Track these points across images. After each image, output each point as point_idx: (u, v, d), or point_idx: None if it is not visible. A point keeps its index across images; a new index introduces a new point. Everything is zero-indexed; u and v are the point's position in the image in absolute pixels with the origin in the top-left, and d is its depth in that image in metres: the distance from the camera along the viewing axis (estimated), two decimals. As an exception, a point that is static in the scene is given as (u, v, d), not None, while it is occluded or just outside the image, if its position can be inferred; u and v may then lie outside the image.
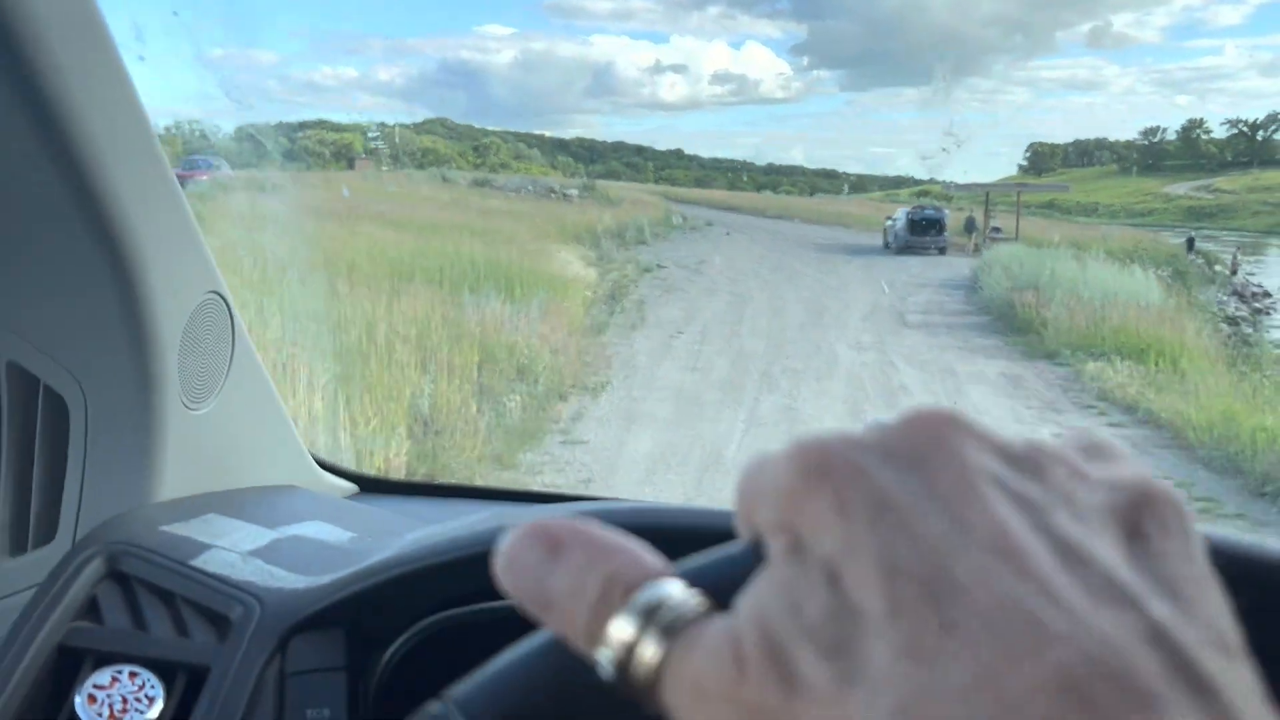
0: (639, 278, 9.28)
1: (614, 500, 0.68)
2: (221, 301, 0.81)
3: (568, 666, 0.30)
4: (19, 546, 0.76)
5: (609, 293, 8.53)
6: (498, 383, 5.76)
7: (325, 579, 0.66)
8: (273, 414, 0.94)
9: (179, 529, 0.71)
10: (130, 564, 0.67)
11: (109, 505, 0.76)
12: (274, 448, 0.94)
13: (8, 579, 0.76)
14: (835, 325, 7.95)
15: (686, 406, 5.78)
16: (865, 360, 6.85)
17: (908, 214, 10.10)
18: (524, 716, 0.30)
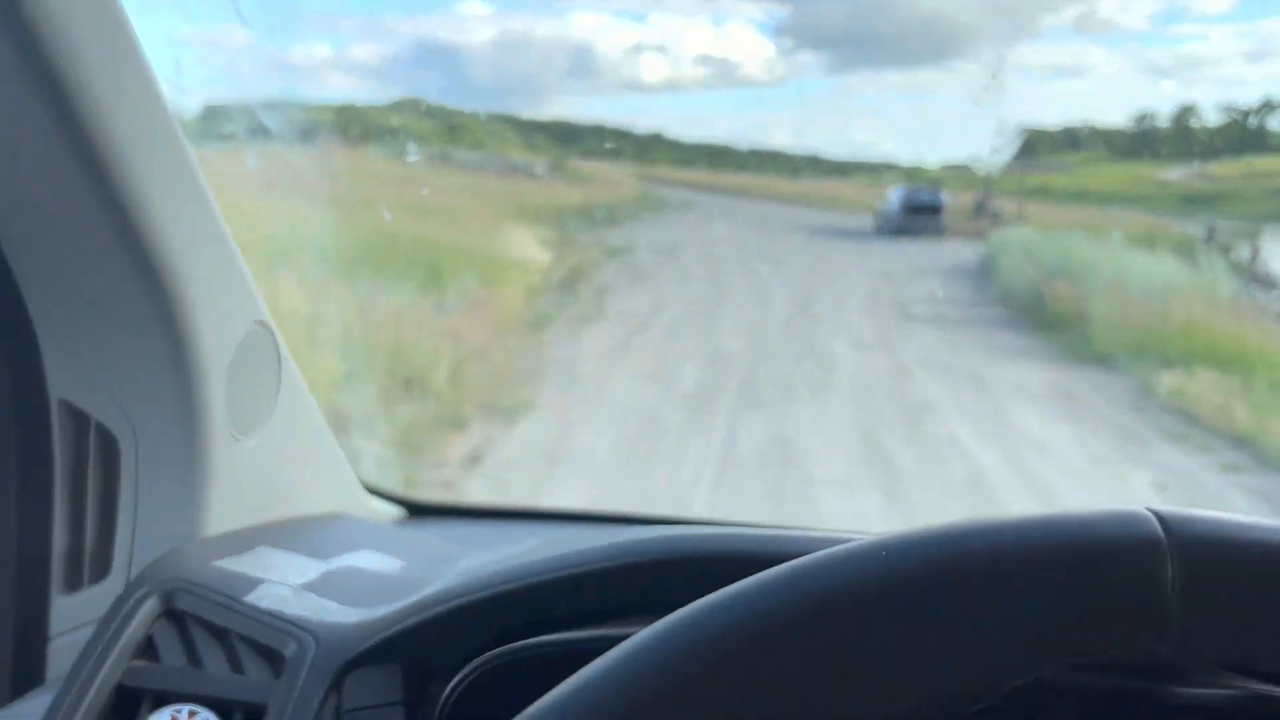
0: (604, 262, 7.89)
1: (689, 524, 0.67)
2: (267, 331, 0.81)
3: (669, 667, 0.30)
4: (74, 583, 0.77)
5: (564, 279, 7.07)
6: (366, 401, 3.89)
7: (379, 612, 0.66)
8: (320, 441, 0.94)
9: (231, 564, 0.71)
10: (185, 601, 0.67)
11: (161, 540, 0.76)
12: (321, 475, 0.95)
13: (64, 616, 0.76)
14: (830, 319, 6.53)
15: (638, 437, 4.12)
16: (871, 365, 5.36)
17: (902, 194, 9.17)
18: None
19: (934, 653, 0.34)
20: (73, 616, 0.76)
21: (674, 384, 4.76)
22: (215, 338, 0.75)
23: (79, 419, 0.75)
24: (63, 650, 0.76)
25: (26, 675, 0.75)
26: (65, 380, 0.74)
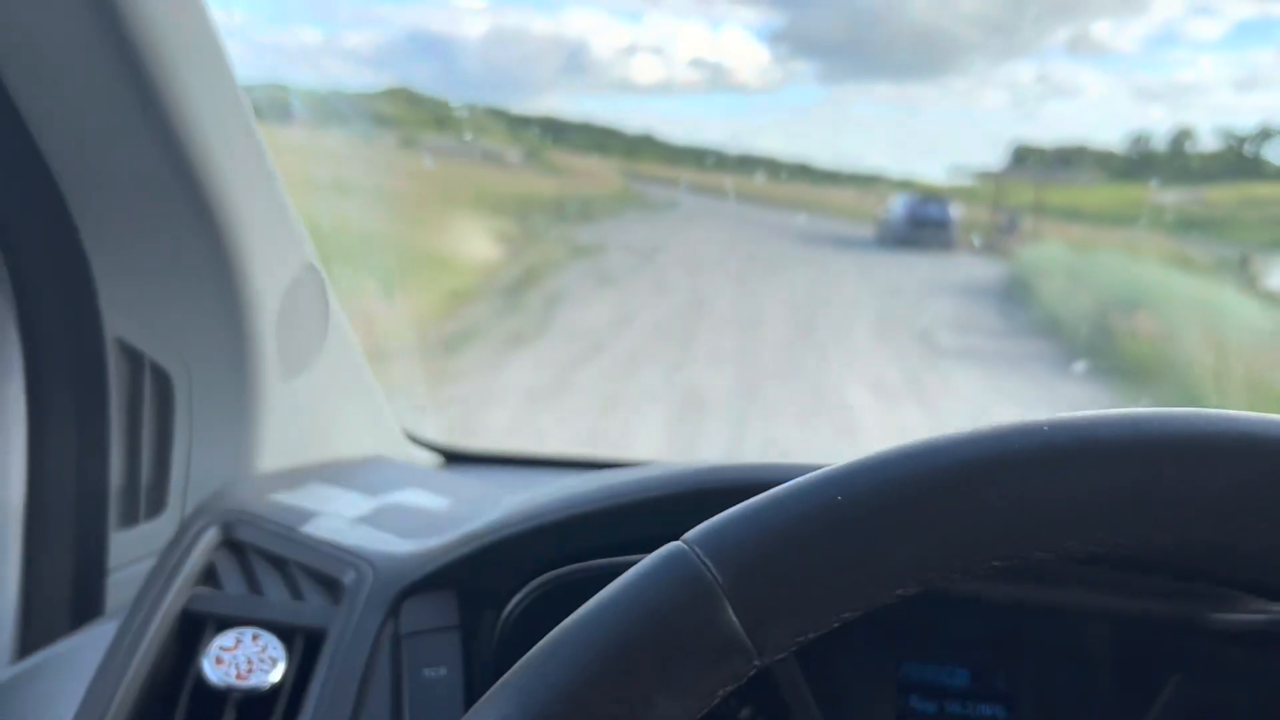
0: (565, 262, 6.60)
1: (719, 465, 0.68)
2: (316, 275, 0.82)
3: (815, 511, 0.31)
4: (130, 519, 0.79)
5: (510, 283, 5.46)
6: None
7: (433, 542, 0.68)
8: (364, 385, 0.95)
9: (286, 497, 0.73)
10: (244, 531, 0.69)
11: (214, 476, 0.78)
12: (365, 419, 0.96)
13: (121, 550, 0.78)
14: (838, 348, 4.83)
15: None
16: (908, 426, 3.71)
17: (908, 204, 8.60)
18: (769, 560, 0.31)
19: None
20: (130, 551, 0.78)
21: (622, 447, 3.36)
22: (266, 279, 0.76)
23: (134, 358, 0.77)
24: (120, 584, 0.78)
25: (86, 608, 0.77)
26: (121, 320, 0.76)
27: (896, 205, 8.42)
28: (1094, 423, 0.33)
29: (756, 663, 0.31)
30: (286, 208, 0.78)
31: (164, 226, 0.72)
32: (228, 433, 0.78)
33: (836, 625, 0.32)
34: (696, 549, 0.32)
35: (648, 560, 0.32)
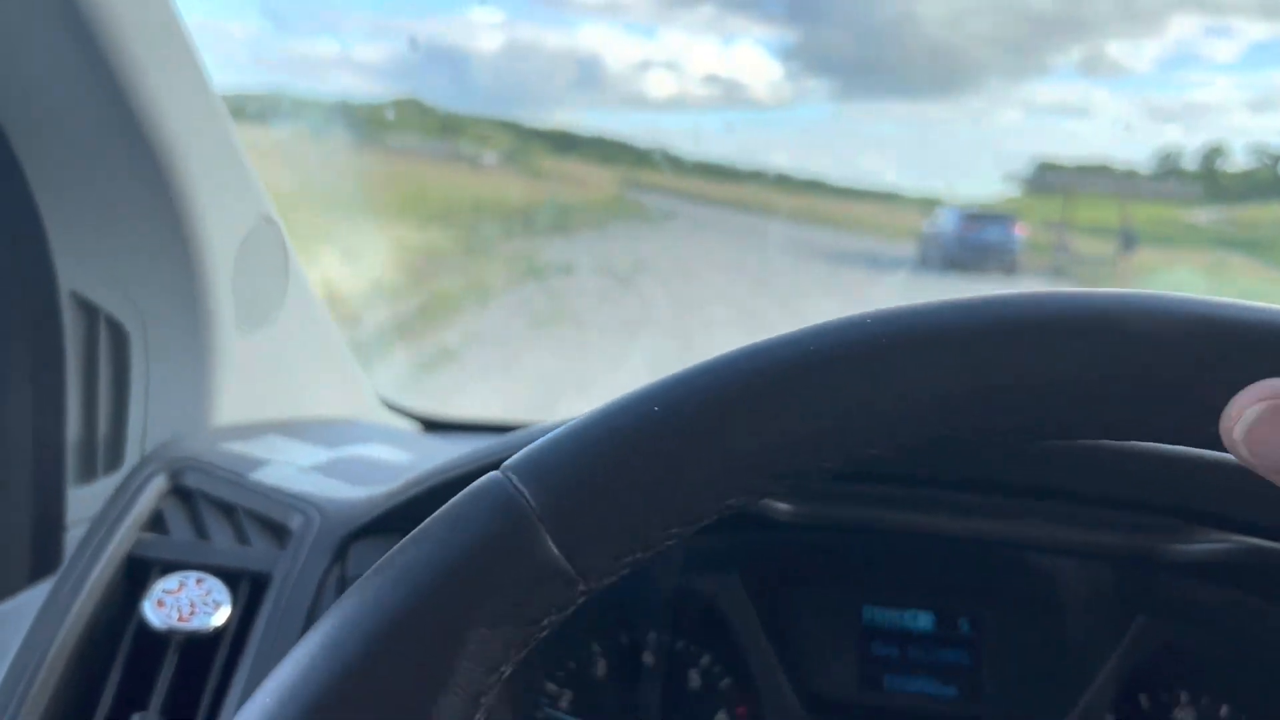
0: (512, 287, 5.13)
1: None
2: (273, 227, 0.81)
3: (630, 425, 0.30)
4: (88, 474, 0.78)
5: (384, 325, 3.07)
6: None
7: (381, 488, 0.67)
8: (332, 346, 0.94)
9: (238, 447, 0.72)
10: (192, 478, 0.68)
11: (171, 432, 0.77)
12: (333, 379, 0.95)
13: (79, 506, 0.77)
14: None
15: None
16: None
17: (959, 218, 7.35)
18: (584, 481, 0.30)
19: None
20: (87, 506, 0.77)
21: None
22: (221, 231, 0.75)
23: (89, 311, 0.76)
24: (78, 539, 0.77)
25: (43, 562, 0.77)
26: (75, 272, 0.75)
27: (945, 221, 7.31)
28: (917, 312, 0.31)
29: (581, 588, 0.29)
30: (240, 159, 0.77)
31: (116, 178, 0.72)
32: (185, 387, 0.77)
33: (669, 543, 0.30)
34: (512, 475, 0.30)
35: (464, 491, 0.31)
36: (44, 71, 0.67)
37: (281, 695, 0.28)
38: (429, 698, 0.28)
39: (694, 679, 0.68)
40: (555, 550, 0.29)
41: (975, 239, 7.04)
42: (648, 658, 0.69)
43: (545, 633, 0.30)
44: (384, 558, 0.30)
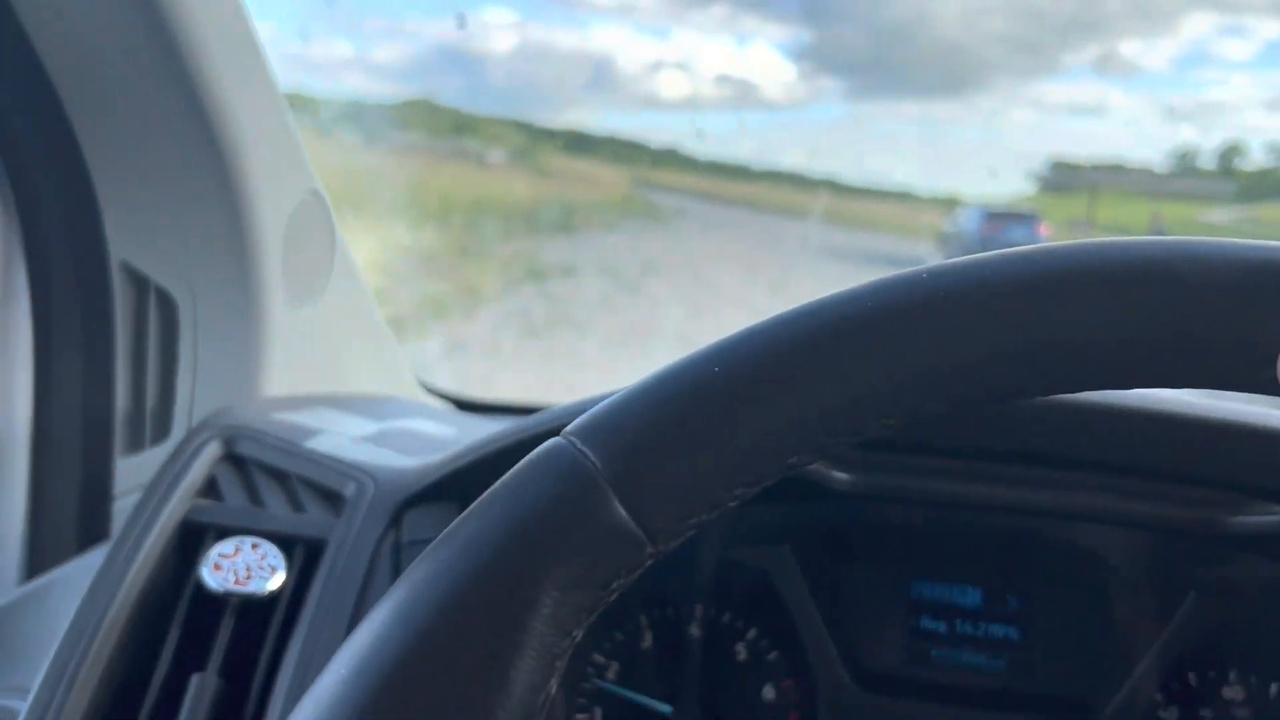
0: (511, 289, 4.87)
1: None
2: (320, 201, 0.82)
3: (692, 386, 0.30)
4: (136, 445, 0.78)
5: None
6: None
7: (434, 457, 0.67)
8: (374, 324, 0.95)
9: (289, 416, 0.72)
10: (246, 446, 0.68)
11: (219, 403, 0.77)
12: (375, 358, 0.96)
13: (127, 476, 0.78)
14: None
15: None
16: None
17: (983, 216, 7.13)
18: (649, 443, 0.30)
19: None
20: (135, 476, 0.78)
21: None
22: (272, 203, 0.76)
23: (139, 282, 0.77)
24: (126, 509, 0.78)
25: (91, 533, 0.77)
26: (126, 244, 0.75)
27: (966, 221, 7.15)
28: (981, 264, 0.31)
29: (650, 550, 0.30)
30: (292, 131, 0.78)
31: (168, 149, 0.72)
32: (233, 358, 0.78)
33: (733, 503, 0.30)
34: (574, 440, 0.30)
35: (528, 458, 0.31)
36: (103, 43, 0.67)
37: (357, 663, 0.28)
38: (506, 661, 0.28)
39: (741, 651, 0.68)
40: (623, 513, 0.29)
41: (999, 239, 6.66)
42: (694, 630, 0.69)
43: (613, 596, 0.30)
44: (451, 525, 0.30)
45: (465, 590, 0.28)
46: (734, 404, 0.30)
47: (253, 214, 0.75)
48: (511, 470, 0.31)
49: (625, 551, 0.29)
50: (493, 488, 0.31)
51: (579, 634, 0.30)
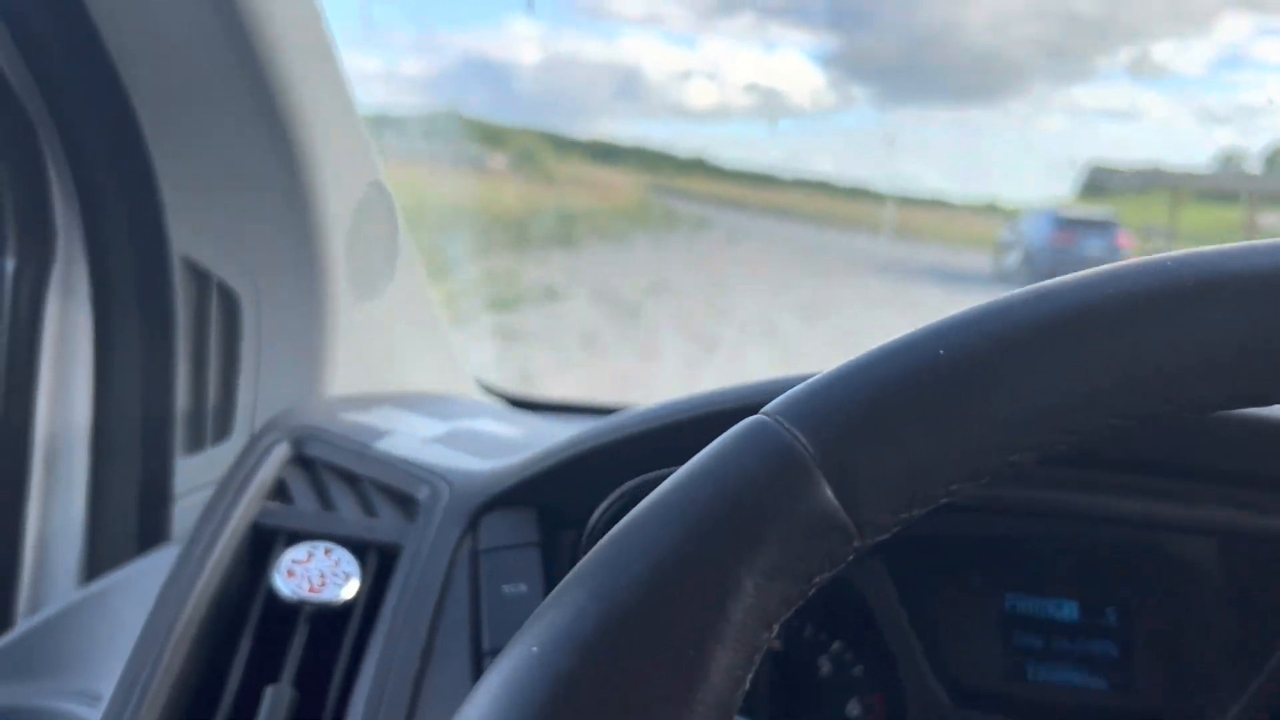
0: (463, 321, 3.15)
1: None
2: (384, 194, 0.79)
3: (914, 368, 0.27)
4: (197, 444, 0.76)
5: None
6: None
7: (509, 461, 0.65)
8: (435, 321, 0.93)
9: (357, 417, 0.70)
10: (315, 448, 0.66)
11: (282, 401, 0.75)
12: (436, 356, 0.93)
13: (188, 476, 0.76)
14: None
15: None
16: None
17: (1053, 223, 6.12)
18: (866, 427, 0.27)
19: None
20: (196, 476, 0.76)
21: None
22: (335, 197, 0.74)
23: (201, 277, 0.75)
24: (187, 510, 0.76)
25: (152, 533, 0.75)
26: (188, 238, 0.73)
27: (1033, 228, 6.30)
28: (1226, 255, 0.28)
29: (856, 544, 0.27)
30: (358, 123, 0.76)
31: (232, 141, 0.70)
32: (297, 355, 0.76)
33: (945, 500, 0.28)
34: (781, 419, 0.28)
35: (725, 436, 0.29)
36: (169, 36, 0.65)
37: (550, 639, 0.26)
38: (707, 651, 0.25)
39: (824, 665, 0.66)
40: (834, 500, 0.27)
41: (1072, 251, 5.85)
42: (775, 643, 0.66)
43: (813, 591, 0.27)
44: (646, 500, 0.28)
45: (667, 572, 0.26)
46: (960, 391, 0.27)
47: (317, 206, 0.72)
48: (710, 447, 0.29)
49: (832, 542, 0.27)
50: (690, 465, 0.28)
51: (778, 628, 0.27)
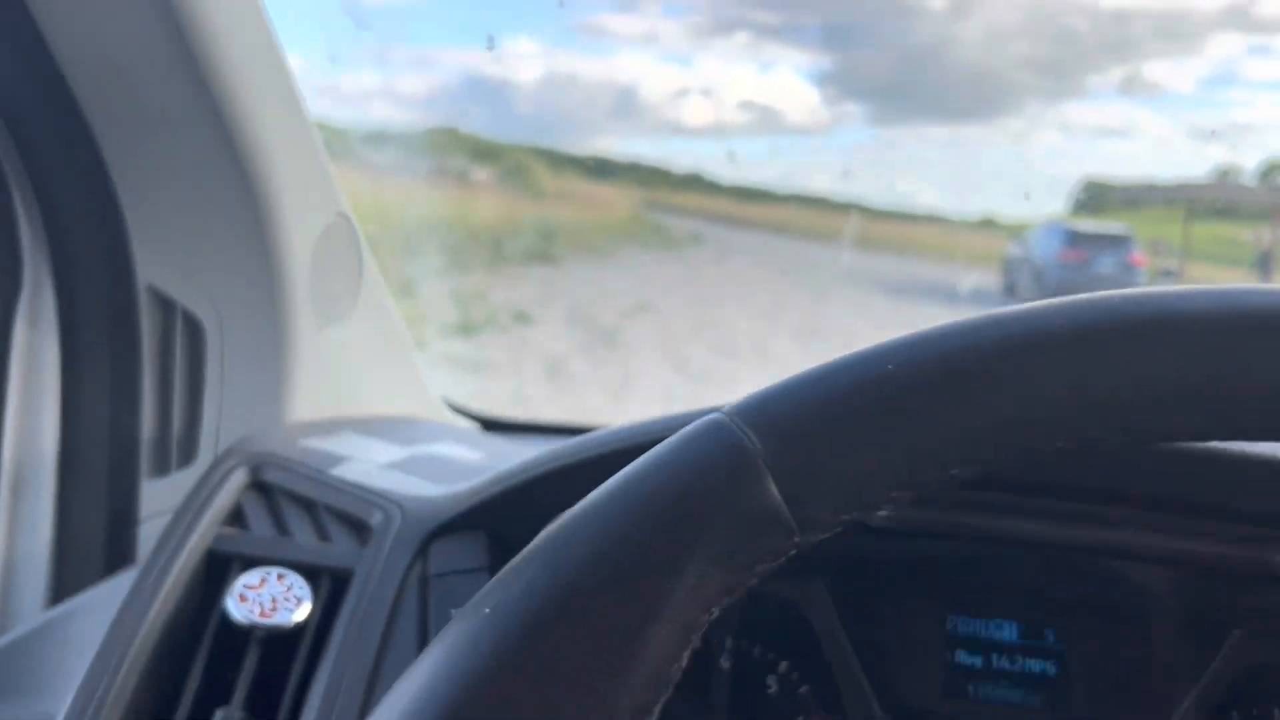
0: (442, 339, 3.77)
1: None
2: (348, 223, 0.81)
3: (865, 381, 0.29)
4: (162, 468, 0.78)
5: None
6: None
7: (463, 487, 0.66)
8: (401, 345, 0.94)
9: (316, 443, 0.72)
10: (272, 473, 0.68)
11: (246, 426, 0.77)
12: (401, 379, 0.95)
13: (153, 499, 0.77)
14: None
15: None
16: None
17: (1064, 235, 5.79)
18: (813, 430, 0.29)
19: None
20: (161, 500, 0.77)
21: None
22: (299, 225, 0.75)
23: (166, 306, 0.76)
24: (152, 534, 0.77)
25: (117, 556, 0.77)
26: (153, 267, 0.75)
27: (1042, 243, 5.88)
28: (1177, 295, 0.30)
29: (796, 540, 0.29)
30: (319, 153, 0.77)
31: (196, 172, 0.72)
32: (260, 382, 0.77)
33: (885, 508, 0.30)
34: (736, 419, 0.30)
35: (683, 431, 0.31)
36: (131, 66, 0.67)
37: (500, 608, 0.28)
38: (645, 626, 0.28)
39: (772, 685, 0.67)
40: (778, 497, 0.29)
41: (1085, 270, 5.46)
42: (724, 662, 0.68)
43: (753, 582, 0.29)
44: (603, 485, 0.30)
45: (615, 550, 0.28)
46: (905, 403, 0.29)
47: (280, 237, 0.74)
48: (667, 441, 0.31)
49: (775, 536, 0.29)
50: (647, 456, 0.31)
51: (717, 612, 0.29)
